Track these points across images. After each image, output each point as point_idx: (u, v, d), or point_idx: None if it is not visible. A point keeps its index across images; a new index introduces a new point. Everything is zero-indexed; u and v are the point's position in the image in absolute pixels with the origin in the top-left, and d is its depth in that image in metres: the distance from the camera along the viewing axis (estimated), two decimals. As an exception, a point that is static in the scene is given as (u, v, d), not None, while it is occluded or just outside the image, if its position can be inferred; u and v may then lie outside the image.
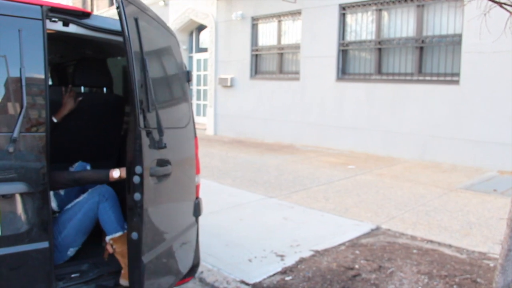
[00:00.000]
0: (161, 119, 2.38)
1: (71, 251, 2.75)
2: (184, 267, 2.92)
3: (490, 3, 3.24)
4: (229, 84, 12.36)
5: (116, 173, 2.61)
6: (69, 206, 2.78)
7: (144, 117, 2.26)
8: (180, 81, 2.84)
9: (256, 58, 12.01)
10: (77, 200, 2.76)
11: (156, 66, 2.44)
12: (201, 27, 14.00)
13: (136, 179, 2.25)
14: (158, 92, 2.43)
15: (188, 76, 2.90)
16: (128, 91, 2.28)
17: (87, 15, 2.61)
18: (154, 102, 2.34)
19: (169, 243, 2.63)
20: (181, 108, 2.83)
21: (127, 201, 2.31)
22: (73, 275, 2.63)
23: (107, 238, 2.70)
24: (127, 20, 2.16)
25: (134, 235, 2.28)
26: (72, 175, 2.75)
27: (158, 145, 2.35)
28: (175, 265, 2.81)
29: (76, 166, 3.23)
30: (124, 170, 2.54)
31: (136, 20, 2.25)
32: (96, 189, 2.74)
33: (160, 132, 2.36)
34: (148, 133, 2.28)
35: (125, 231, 2.65)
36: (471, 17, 6.68)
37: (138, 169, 2.24)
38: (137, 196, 2.26)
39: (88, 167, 3.24)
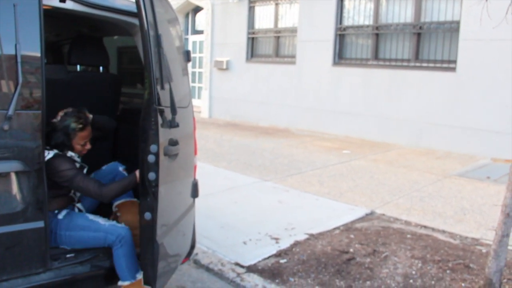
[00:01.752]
0: (174, 98, 2.34)
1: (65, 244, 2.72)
2: (186, 248, 2.92)
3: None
4: (224, 67, 12.28)
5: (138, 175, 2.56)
6: (90, 216, 2.76)
7: (159, 95, 2.23)
8: (182, 61, 2.80)
9: (252, 41, 11.92)
10: (98, 220, 2.72)
11: (166, 45, 2.39)
12: (197, 9, 13.85)
13: (151, 158, 2.21)
14: (169, 71, 2.39)
15: (187, 56, 2.87)
16: (145, 68, 2.23)
17: (84, -9, 2.56)
18: (169, 80, 2.31)
19: (176, 224, 2.61)
20: (184, 88, 2.79)
21: (140, 180, 2.29)
22: (68, 255, 2.61)
23: (119, 283, 2.65)
24: None
25: (147, 215, 2.25)
26: (119, 187, 2.67)
27: (171, 124, 2.31)
28: (181, 246, 2.80)
29: (110, 165, 3.23)
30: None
31: None
32: (117, 228, 2.66)
33: (173, 110, 2.32)
34: (162, 112, 2.24)
35: (136, 280, 2.63)
36: (470, 4, 6.65)
37: (153, 148, 2.20)
38: (151, 175, 2.22)
39: (121, 168, 3.21)
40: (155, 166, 2.21)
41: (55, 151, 2.65)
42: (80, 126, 2.73)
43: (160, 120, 2.21)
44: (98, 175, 3.12)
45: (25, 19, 2.19)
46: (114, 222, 2.73)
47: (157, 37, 2.22)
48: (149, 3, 2.16)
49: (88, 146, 2.82)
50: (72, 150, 2.76)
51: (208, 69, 12.92)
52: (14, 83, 2.16)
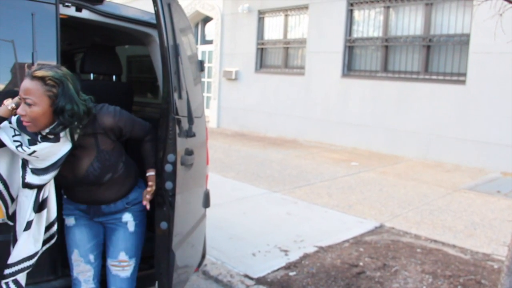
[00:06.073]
0: (191, 107, 2.34)
1: None
2: (198, 258, 2.90)
3: (505, 3, 3.20)
4: (233, 77, 12.31)
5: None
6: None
7: (176, 105, 2.22)
8: (196, 70, 2.81)
9: (261, 51, 11.96)
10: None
11: (182, 54, 2.39)
12: (206, 19, 13.93)
13: (168, 167, 2.20)
14: (186, 80, 2.40)
15: (201, 66, 2.87)
16: (163, 77, 2.22)
17: (100, 0, 2.57)
18: (187, 90, 2.31)
19: (190, 233, 2.60)
20: (198, 97, 2.79)
21: (156, 190, 2.28)
22: None
23: None
24: (162, 5, 2.12)
25: (164, 224, 2.23)
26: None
27: (188, 133, 2.31)
28: (193, 255, 2.79)
29: None
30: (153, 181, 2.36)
31: (169, 5, 2.21)
32: None
33: (190, 120, 2.32)
34: (179, 121, 2.23)
35: None
36: (481, 18, 6.63)
37: (171, 157, 2.19)
38: (168, 185, 2.21)
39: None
40: (172, 176, 2.20)
41: None
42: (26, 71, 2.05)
43: (177, 130, 2.21)
44: None
45: (43, 28, 2.21)
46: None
47: (176, 47, 2.23)
48: (168, 13, 2.17)
49: (19, 111, 1.99)
50: None
51: (217, 79, 12.96)
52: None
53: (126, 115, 2.27)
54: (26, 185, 2.08)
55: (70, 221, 2.38)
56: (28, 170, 2.08)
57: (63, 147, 2.09)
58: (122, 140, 2.31)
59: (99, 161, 2.19)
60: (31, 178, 2.08)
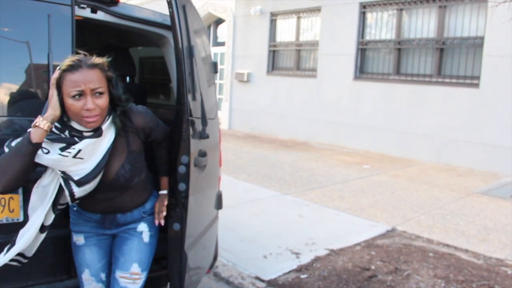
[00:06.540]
0: (205, 109, 2.34)
1: None
2: (209, 259, 2.91)
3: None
4: (245, 79, 12.33)
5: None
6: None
7: (190, 106, 2.23)
8: (209, 72, 2.81)
9: (273, 54, 11.96)
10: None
11: (196, 56, 2.40)
12: (219, 21, 13.96)
13: (182, 169, 2.20)
14: (200, 82, 2.40)
15: (215, 68, 2.87)
16: (177, 79, 2.21)
17: (115, 2, 2.59)
18: (201, 91, 2.31)
19: (203, 234, 2.61)
20: (212, 99, 2.79)
21: (170, 191, 2.27)
22: None
23: None
24: (177, 7, 2.12)
25: (176, 226, 2.23)
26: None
27: (202, 135, 2.30)
28: (205, 257, 2.79)
29: None
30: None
31: (184, 7, 2.22)
32: None
33: (204, 122, 2.31)
34: (193, 123, 2.23)
35: None
36: (496, 20, 6.58)
37: (184, 159, 2.19)
38: (182, 186, 2.21)
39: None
40: (186, 177, 2.20)
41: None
42: (68, 63, 1.86)
43: (191, 131, 2.21)
44: None
45: (58, 29, 2.23)
46: None
47: (190, 48, 2.23)
48: (182, 14, 2.17)
49: (90, 105, 1.84)
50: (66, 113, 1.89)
51: (229, 81, 12.98)
52: (46, 92, 2.19)
53: (154, 116, 2.22)
54: (75, 200, 2.00)
55: (79, 239, 2.23)
56: (73, 185, 1.95)
57: (104, 140, 1.96)
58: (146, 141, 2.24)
59: (130, 163, 2.09)
60: (79, 192, 1.97)
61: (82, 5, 2.46)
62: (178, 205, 2.23)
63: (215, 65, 2.89)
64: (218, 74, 13.97)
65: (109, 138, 1.98)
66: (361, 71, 9.93)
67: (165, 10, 2.30)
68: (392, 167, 8.11)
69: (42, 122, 1.81)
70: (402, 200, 6.01)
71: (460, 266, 3.95)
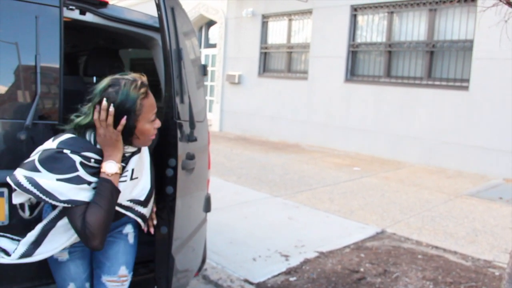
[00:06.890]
0: (193, 112, 2.34)
1: None
2: (198, 262, 2.90)
3: (511, 9, 3.19)
4: (236, 81, 12.33)
5: None
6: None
7: (178, 109, 2.22)
8: (198, 74, 2.81)
9: (265, 56, 11.98)
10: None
11: (185, 58, 2.39)
12: (210, 23, 13.97)
13: (169, 172, 2.20)
14: (188, 84, 2.40)
15: (204, 70, 2.87)
16: (165, 81, 2.22)
17: (104, 4, 2.58)
18: (189, 94, 2.31)
19: (191, 238, 2.60)
20: (200, 102, 2.79)
21: (157, 194, 2.26)
22: None
23: None
24: (166, 9, 2.12)
25: (164, 229, 2.22)
26: None
27: (190, 138, 2.30)
28: (193, 260, 2.78)
29: None
30: None
31: (172, 9, 2.22)
32: None
33: (192, 125, 2.31)
34: (181, 126, 2.23)
35: None
36: (486, 24, 6.63)
37: (172, 161, 2.19)
38: (169, 189, 2.21)
39: None
40: (173, 180, 2.20)
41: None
42: (143, 90, 1.87)
43: (179, 134, 2.21)
44: None
45: (46, 31, 2.21)
46: None
47: (178, 51, 2.23)
48: (171, 17, 2.17)
49: (158, 123, 1.97)
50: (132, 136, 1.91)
51: (220, 83, 12.98)
52: (33, 94, 2.17)
53: None
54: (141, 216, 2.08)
55: (62, 255, 2.08)
56: (139, 207, 2.05)
57: (144, 153, 2.04)
58: None
59: None
60: (147, 211, 2.10)
61: (70, 7, 2.45)
62: (166, 208, 2.23)
63: (204, 67, 2.88)
64: (209, 76, 13.97)
65: (144, 148, 2.04)
66: (352, 73, 9.97)
67: (155, 12, 2.30)
68: (383, 169, 8.14)
69: (116, 167, 1.84)
70: (392, 202, 6.04)
71: (448, 267, 3.97)
